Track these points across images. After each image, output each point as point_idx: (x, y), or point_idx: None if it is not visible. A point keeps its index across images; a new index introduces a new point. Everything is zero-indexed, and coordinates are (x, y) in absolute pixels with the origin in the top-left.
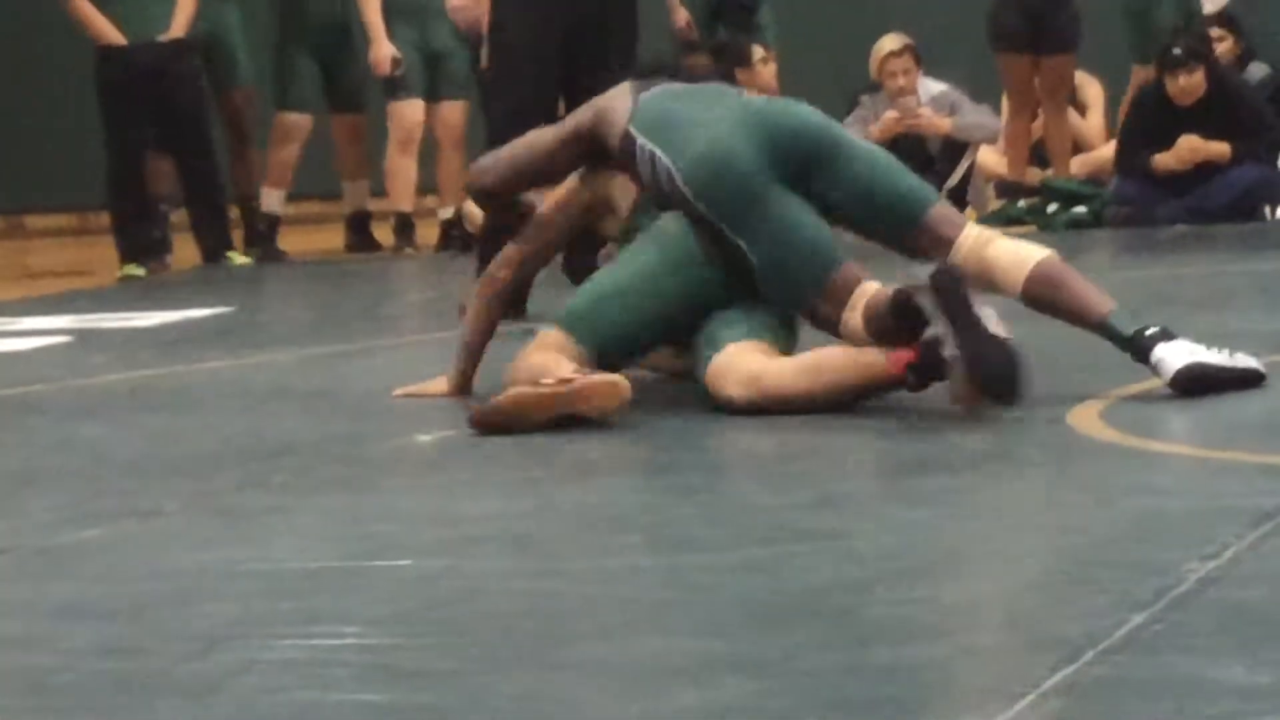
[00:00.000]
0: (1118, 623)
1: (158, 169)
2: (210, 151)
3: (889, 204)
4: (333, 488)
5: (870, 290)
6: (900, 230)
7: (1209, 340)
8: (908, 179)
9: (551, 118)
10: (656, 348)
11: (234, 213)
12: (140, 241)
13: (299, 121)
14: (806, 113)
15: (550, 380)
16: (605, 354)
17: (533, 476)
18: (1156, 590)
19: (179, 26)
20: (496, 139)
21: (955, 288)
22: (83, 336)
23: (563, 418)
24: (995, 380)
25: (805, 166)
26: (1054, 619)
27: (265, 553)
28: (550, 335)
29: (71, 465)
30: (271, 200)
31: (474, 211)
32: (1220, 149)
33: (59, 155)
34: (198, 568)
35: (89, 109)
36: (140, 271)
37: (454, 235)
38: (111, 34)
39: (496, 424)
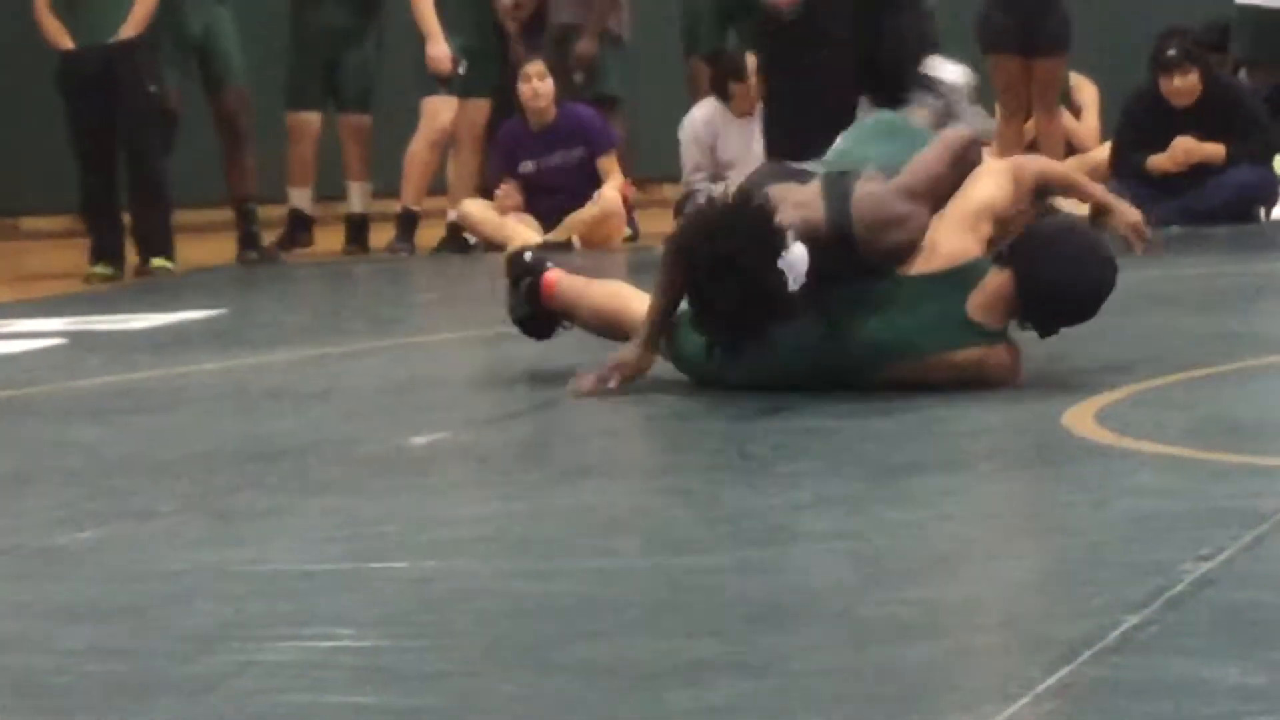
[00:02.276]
0: (1113, 623)
1: None
2: (150, 155)
3: None
4: (327, 489)
5: None
6: None
7: (1206, 343)
8: None
9: None
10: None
11: (229, 214)
12: (106, 242)
13: (307, 120)
14: None
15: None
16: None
17: (528, 478)
18: (1152, 591)
19: (130, 27)
20: None
21: None
22: (78, 339)
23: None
24: None
25: None
26: (1049, 620)
27: (260, 554)
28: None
29: (67, 467)
30: (297, 198)
31: (471, 214)
32: (1215, 150)
33: (54, 158)
34: (193, 569)
35: None
36: (108, 271)
37: (451, 239)
38: (60, 38)
39: None
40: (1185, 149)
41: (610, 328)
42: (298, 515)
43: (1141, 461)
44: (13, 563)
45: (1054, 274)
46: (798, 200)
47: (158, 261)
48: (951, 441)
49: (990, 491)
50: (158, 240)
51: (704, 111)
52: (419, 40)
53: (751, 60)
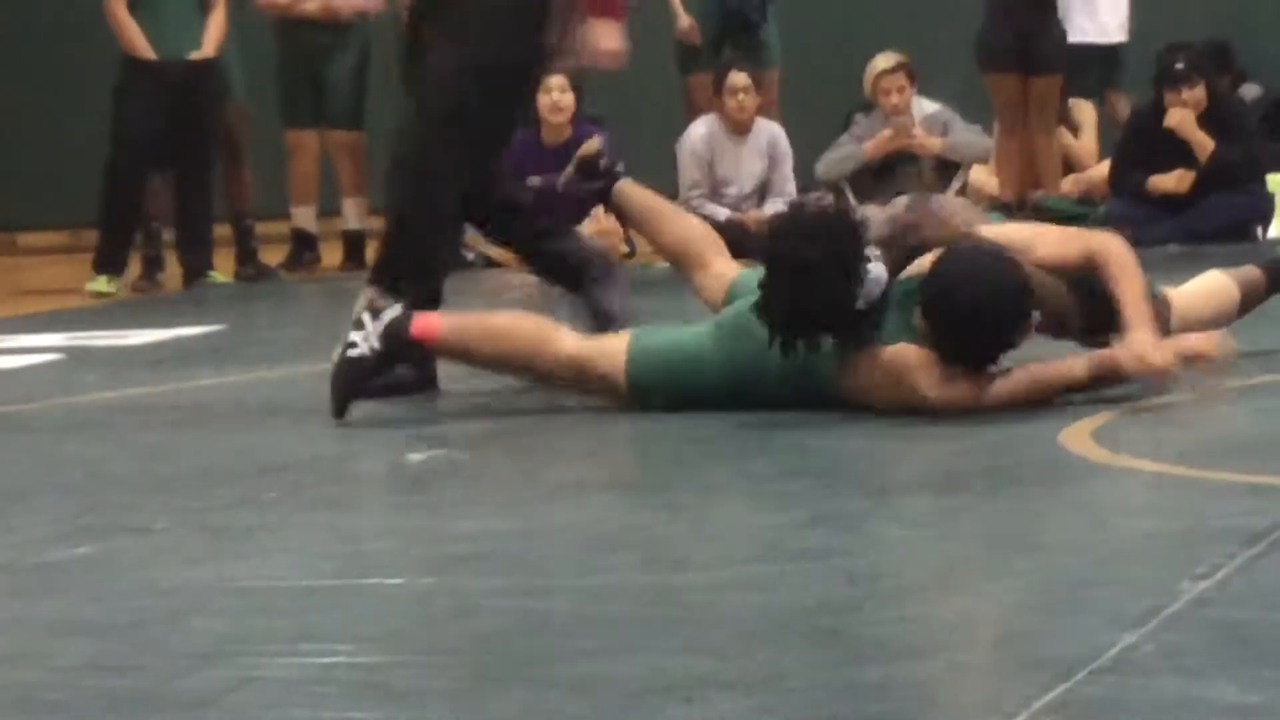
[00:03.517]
0: (1109, 642)
1: (154, 188)
2: (211, 174)
3: None
4: (324, 506)
5: None
6: None
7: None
8: None
9: None
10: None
11: (226, 229)
12: (118, 256)
13: (304, 137)
14: None
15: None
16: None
17: (523, 495)
18: (1148, 610)
19: (211, 46)
20: None
21: None
22: (75, 354)
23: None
24: None
25: None
26: (1045, 638)
27: (257, 570)
28: (617, 342)
29: (63, 482)
30: (300, 217)
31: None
32: (1205, 138)
33: (52, 173)
34: (189, 585)
35: (82, 126)
36: (110, 288)
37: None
38: (143, 46)
39: None
40: (1181, 117)
41: (511, 363)
42: (294, 531)
43: (1138, 480)
44: (10, 578)
45: (956, 295)
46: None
47: (215, 275)
48: (947, 460)
49: (986, 510)
50: (209, 253)
51: (702, 128)
52: None
53: (744, 77)
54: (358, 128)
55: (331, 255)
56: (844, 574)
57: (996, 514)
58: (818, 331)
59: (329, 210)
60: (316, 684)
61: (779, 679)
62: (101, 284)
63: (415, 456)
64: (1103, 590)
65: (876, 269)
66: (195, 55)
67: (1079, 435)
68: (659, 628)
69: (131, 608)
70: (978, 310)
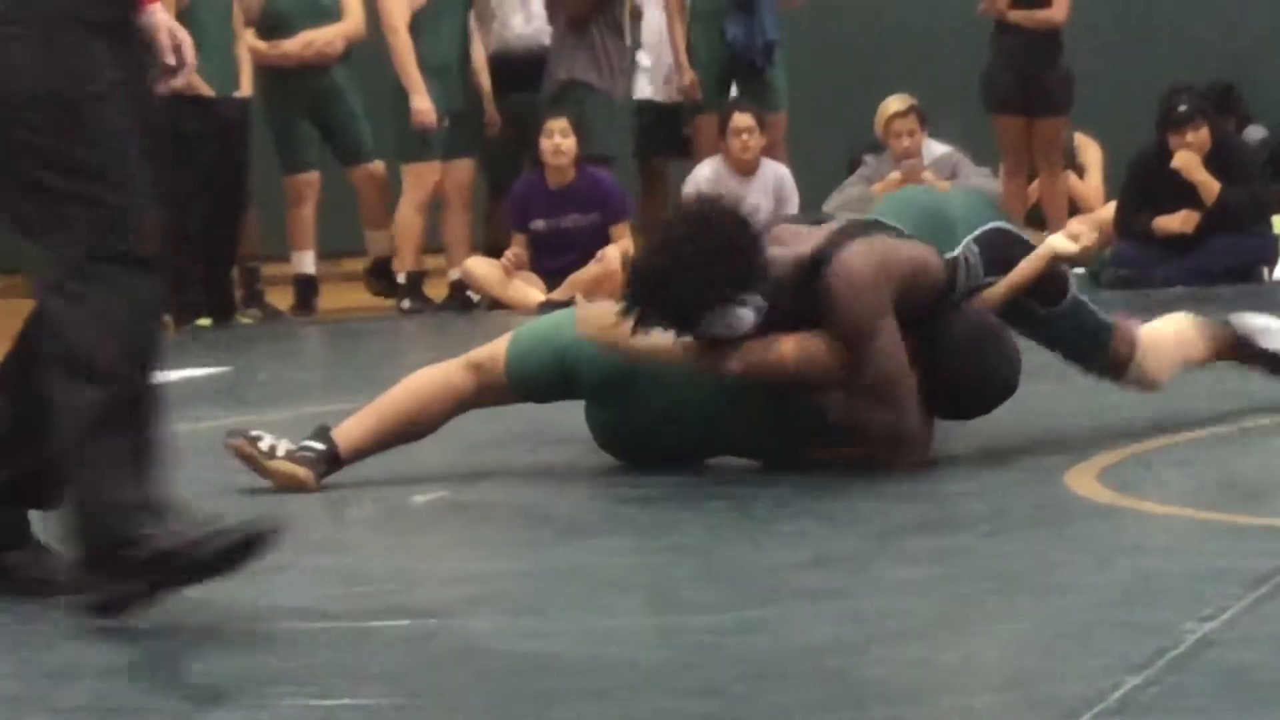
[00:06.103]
0: (1114, 684)
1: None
2: (244, 213)
3: None
4: (329, 547)
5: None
6: None
7: (1208, 402)
8: None
9: None
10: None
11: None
12: (195, 295)
13: (308, 180)
14: None
15: (264, 448)
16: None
17: (528, 536)
18: (1153, 652)
19: (248, 85)
20: None
21: None
22: None
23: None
24: None
25: None
26: (1050, 680)
27: (262, 611)
28: (498, 346)
29: None
30: (303, 262)
31: (475, 272)
32: (1211, 182)
33: None
34: (194, 626)
35: None
36: (208, 321)
37: (455, 296)
38: (202, 85)
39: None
40: (1186, 158)
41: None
42: (299, 573)
43: (1143, 521)
44: (12, 620)
45: (958, 364)
46: (799, 237)
47: (241, 316)
48: (953, 501)
49: (991, 551)
50: (232, 294)
51: (708, 169)
52: (401, 105)
53: (747, 118)
54: (374, 159)
55: (335, 297)
56: (849, 615)
57: (1001, 555)
58: (662, 311)
59: (331, 251)
60: None
61: None
62: (205, 321)
63: (420, 498)
64: (1108, 632)
65: (745, 312)
66: (238, 94)
67: (1084, 476)
68: (664, 669)
69: (132, 649)
70: (975, 386)
